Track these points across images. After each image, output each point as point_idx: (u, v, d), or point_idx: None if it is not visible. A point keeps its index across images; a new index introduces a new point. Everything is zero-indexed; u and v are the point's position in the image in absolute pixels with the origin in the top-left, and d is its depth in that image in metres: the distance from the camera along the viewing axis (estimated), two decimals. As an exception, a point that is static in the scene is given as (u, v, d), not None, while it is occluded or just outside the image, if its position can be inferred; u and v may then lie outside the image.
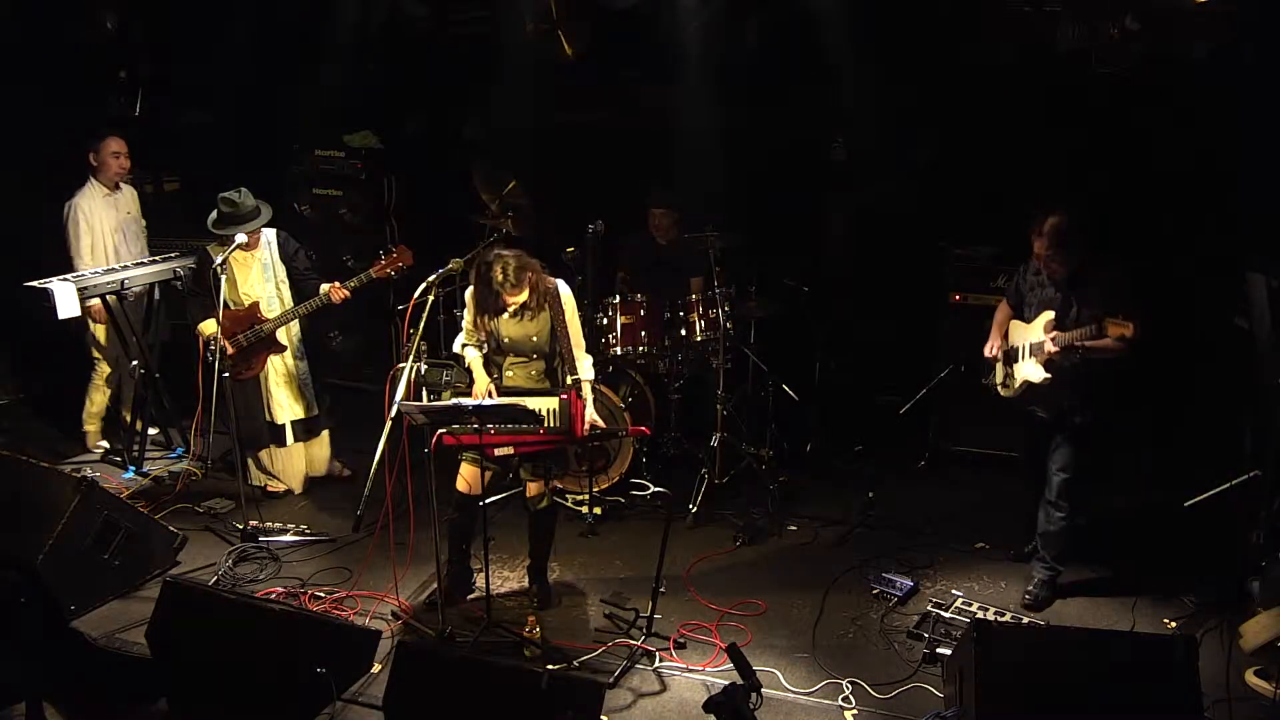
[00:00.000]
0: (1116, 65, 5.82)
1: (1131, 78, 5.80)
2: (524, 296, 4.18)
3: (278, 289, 5.32)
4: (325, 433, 5.68)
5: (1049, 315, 4.34)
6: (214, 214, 5.10)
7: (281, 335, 5.32)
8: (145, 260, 5.79)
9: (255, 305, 5.24)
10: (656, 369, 5.92)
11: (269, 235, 5.33)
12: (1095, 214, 4.62)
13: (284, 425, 5.45)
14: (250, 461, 5.53)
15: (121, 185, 5.85)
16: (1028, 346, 4.46)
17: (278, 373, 5.39)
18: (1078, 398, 4.37)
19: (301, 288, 5.33)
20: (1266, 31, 5.35)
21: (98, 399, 6.02)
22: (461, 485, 4.39)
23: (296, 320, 5.35)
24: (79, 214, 5.62)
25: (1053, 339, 4.27)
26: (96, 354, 5.90)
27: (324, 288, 5.21)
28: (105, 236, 5.73)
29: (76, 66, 6.79)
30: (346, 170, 6.93)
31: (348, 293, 5.18)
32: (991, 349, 4.68)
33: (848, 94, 6.32)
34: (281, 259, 5.33)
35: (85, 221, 5.64)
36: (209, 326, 5.12)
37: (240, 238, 4.99)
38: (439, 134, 7.30)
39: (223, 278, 4.90)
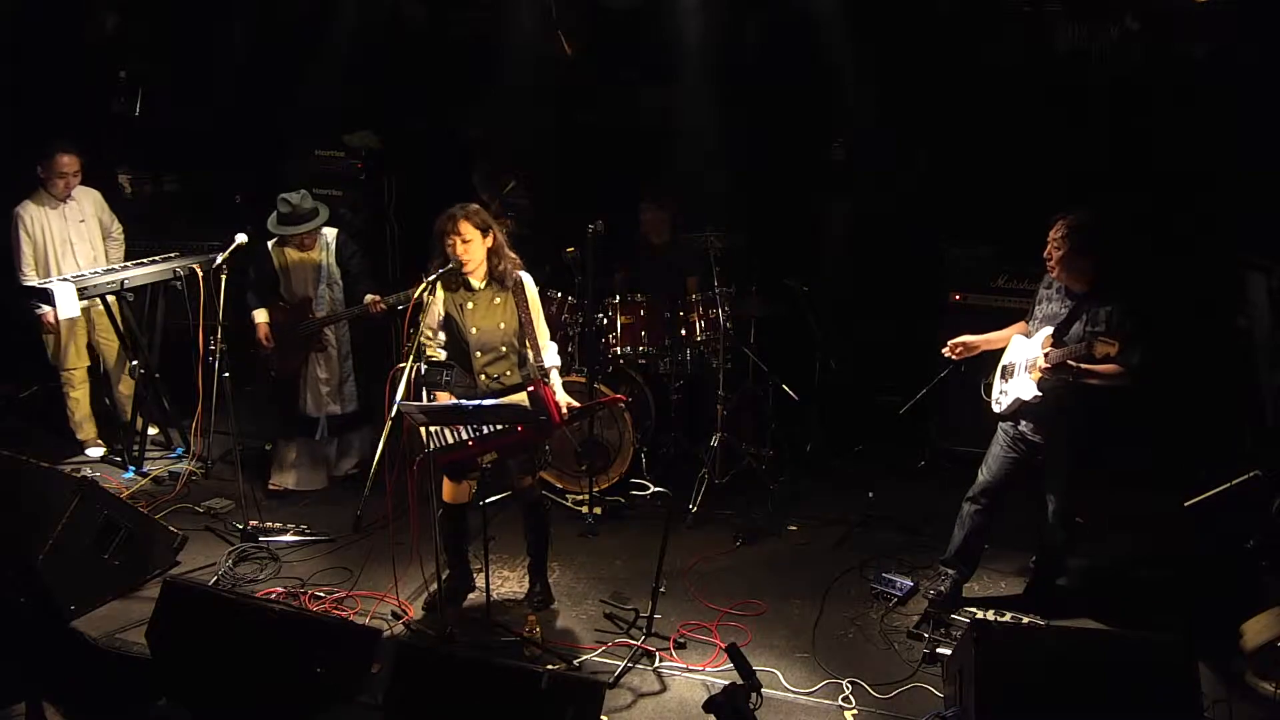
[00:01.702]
0: (1116, 65, 5.83)
1: (1131, 78, 5.80)
2: (472, 239, 4.09)
3: (329, 290, 5.42)
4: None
5: (1050, 330, 4.12)
6: (273, 215, 5.24)
7: (327, 334, 5.44)
8: (145, 260, 5.77)
9: (306, 302, 5.36)
10: (656, 369, 5.92)
11: (329, 236, 5.45)
12: (1117, 222, 4.36)
13: (319, 419, 5.52)
14: (273, 456, 5.62)
15: (75, 194, 5.68)
16: (1024, 362, 4.24)
17: (319, 367, 5.47)
18: (1073, 422, 4.16)
19: (351, 291, 5.44)
20: (1266, 31, 5.35)
21: (76, 409, 5.95)
22: (446, 495, 4.36)
23: (345, 322, 5.48)
24: (19, 224, 5.52)
25: (1046, 354, 4.07)
26: (55, 363, 5.83)
27: (367, 298, 5.30)
28: (51, 247, 5.60)
29: (76, 66, 6.79)
30: (346, 170, 6.93)
31: (385, 306, 5.26)
32: (958, 342, 4.42)
33: (848, 94, 6.33)
34: (338, 261, 5.44)
35: (25, 231, 5.53)
36: (260, 315, 5.34)
37: (240, 238, 5.05)
38: (439, 134, 7.30)
39: (223, 278, 4.95)
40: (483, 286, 4.25)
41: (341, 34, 6.70)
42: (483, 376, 4.28)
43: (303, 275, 5.39)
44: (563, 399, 4.23)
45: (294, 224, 5.23)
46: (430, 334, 4.32)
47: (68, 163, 5.56)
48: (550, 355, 4.36)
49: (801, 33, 6.24)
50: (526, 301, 4.28)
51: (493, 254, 4.20)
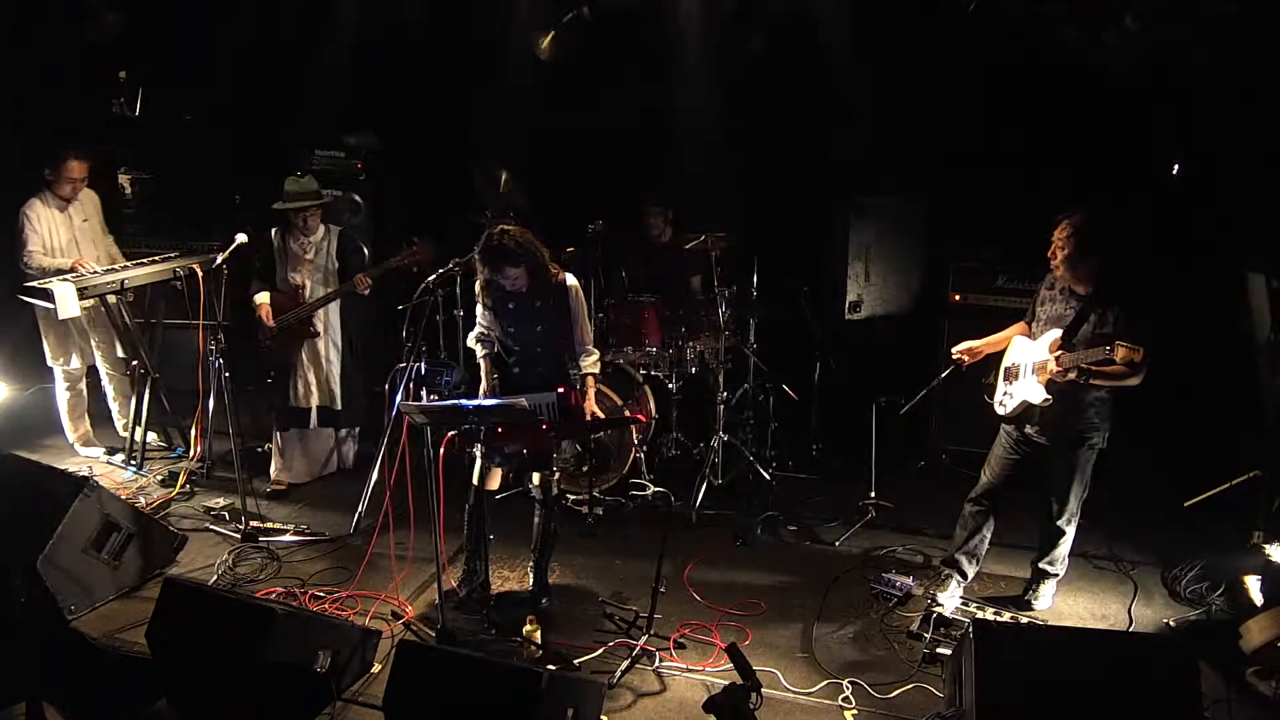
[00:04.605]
0: (1117, 65, 5.81)
1: (1131, 78, 5.80)
2: (518, 271, 4.15)
3: (325, 281, 5.48)
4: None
5: (1056, 332, 4.11)
6: (281, 196, 5.33)
7: (316, 322, 5.49)
8: (145, 260, 5.77)
9: (299, 290, 5.42)
10: (657, 369, 5.92)
11: (333, 230, 5.55)
12: (1119, 222, 4.32)
13: (310, 410, 5.57)
14: (274, 448, 5.63)
15: (78, 195, 5.68)
16: (1030, 364, 4.22)
17: (310, 358, 5.52)
18: (1080, 425, 4.15)
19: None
20: (1267, 31, 5.35)
21: (73, 413, 5.95)
22: (489, 482, 4.39)
23: (336, 314, 5.53)
24: (26, 221, 5.47)
25: (1057, 358, 4.03)
26: (54, 361, 5.81)
27: (355, 278, 5.40)
28: (58, 248, 5.59)
29: (77, 66, 6.78)
30: (346, 170, 6.93)
31: (370, 281, 5.35)
32: (963, 349, 4.45)
33: (848, 94, 6.32)
34: (338, 254, 5.52)
35: (32, 227, 5.48)
36: (261, 296, 5.38)
37: (240, 237, 5.09)
38: (439, 134, 7.30)
39: (223, 280, 5.04)
40: (526, 291, 4.28)
41: (341, 34, 6.70)
42: (516, 370, 4.35)
43: (300, 262, 5.45)
44: (590, 407, 4.28)
45: (296, 200, 5.31)
46: (485, 326, 4.41)
47: (76, 168, 5.57)
48: (589, 363, 4.40)
49: (802, 32, 6.23)
50: (568, 306, 4.31)
51: (534, 272, 4.21)
